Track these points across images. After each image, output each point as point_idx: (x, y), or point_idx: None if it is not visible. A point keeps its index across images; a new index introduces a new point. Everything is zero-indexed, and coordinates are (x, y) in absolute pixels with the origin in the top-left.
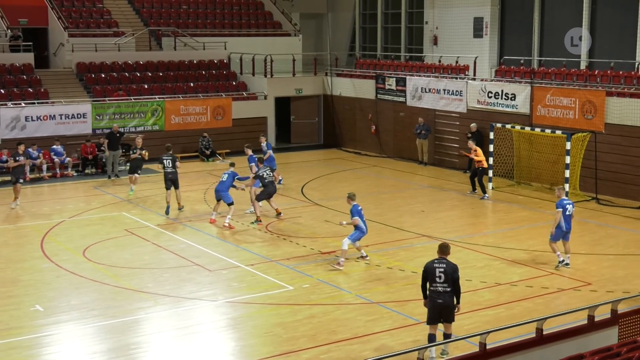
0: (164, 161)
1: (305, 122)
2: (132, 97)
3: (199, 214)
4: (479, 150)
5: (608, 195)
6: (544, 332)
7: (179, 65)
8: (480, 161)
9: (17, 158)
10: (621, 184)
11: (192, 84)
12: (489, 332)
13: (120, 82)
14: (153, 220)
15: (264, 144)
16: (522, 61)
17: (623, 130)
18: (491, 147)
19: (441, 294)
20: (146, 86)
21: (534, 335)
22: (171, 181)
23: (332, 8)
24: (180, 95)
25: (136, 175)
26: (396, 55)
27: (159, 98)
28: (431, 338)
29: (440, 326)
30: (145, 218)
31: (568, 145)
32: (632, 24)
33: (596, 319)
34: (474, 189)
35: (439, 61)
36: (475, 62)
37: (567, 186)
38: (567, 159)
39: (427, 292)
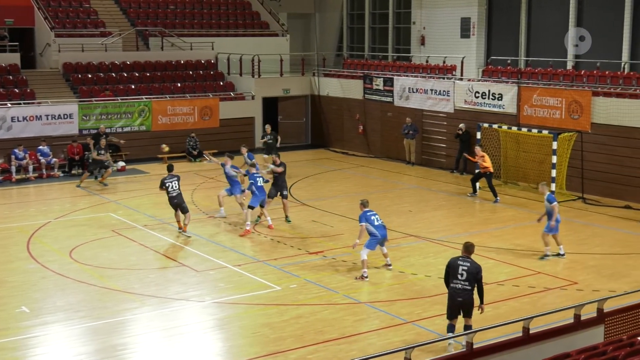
0: (167, 184)
1: (292, 122)
2: (119, 98)
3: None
4: (487, 156)
5: (594, 194)
6: (531, 331)
7: (166, 66)
8: (487, 167)
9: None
10: (607, 184)
11: (179, 84)
12: (475, 332)
13: (107, 82)
14: (140, 221)
15: (245, 155)
16: (509, 61)
17: (609, 130)
18: (478, 148)
19: (461, 291)
20: (133, 86)
21: (520, 334)
22: (177, 205)
23: (320, 8)
24: (167, 96)
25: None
26: (384, 55)
27: (146, 98)
28: (450, 327)
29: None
30: (132, 219)
31: (554, 145)
32: (618, 25)
33: (582, 318)
34: (474, 191)
35: (427, 61)
36: (462, 62)
37: (553, 186)
38: (554, 159)
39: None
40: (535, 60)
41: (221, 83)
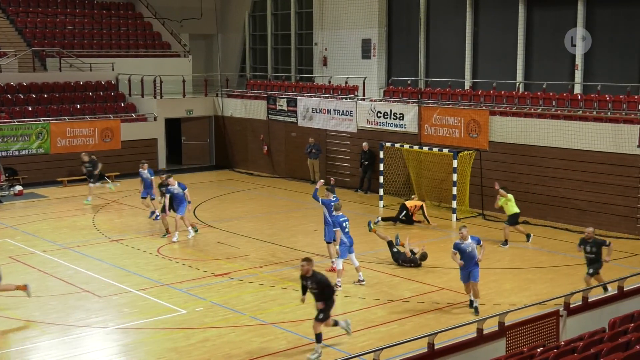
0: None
1: (196, 144)
2: (15, 120)
3: (87, 239)
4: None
5: (494, 211)
6: (435, 347)
7: (64, 87)
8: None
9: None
10: None
11: (78, 106)
12: (382, 349)
13: (2, 104)
14: (39, 247)
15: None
16: (409, 82)
17: (506, 147)
18: (381, 166)
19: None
20: (30, 108)
21: (425, 350)
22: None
23: (222, 29)
24: (66, 117)
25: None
26: (287, 76)
27: (44, 120)
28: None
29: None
30: (30, 244)
31: (455, 163)
32: (512, 46)
33: (485, 332)
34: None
35: (329, 82)
36: (364, 83)
37: (454, 203)
38: (454, 177)
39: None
40: (434, 80)
41: (122, 104)
